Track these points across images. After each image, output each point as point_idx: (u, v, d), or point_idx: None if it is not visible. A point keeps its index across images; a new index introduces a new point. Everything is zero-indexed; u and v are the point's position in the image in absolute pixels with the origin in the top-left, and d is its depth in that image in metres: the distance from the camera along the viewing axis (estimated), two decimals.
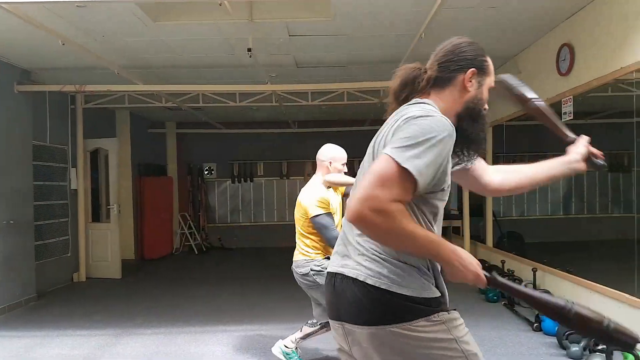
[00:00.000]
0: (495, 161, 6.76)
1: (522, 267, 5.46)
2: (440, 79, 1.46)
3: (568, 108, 4.49)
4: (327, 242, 3.13)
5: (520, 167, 1.72)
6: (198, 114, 8.54)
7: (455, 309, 1.43)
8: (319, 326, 3.40)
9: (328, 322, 3.29)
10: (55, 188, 6.64)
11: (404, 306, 1.32)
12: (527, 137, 7.56)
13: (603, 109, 7.11)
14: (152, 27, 4.48)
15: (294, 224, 3.36)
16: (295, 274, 3.31)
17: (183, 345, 4.12)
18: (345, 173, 3.34)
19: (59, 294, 6.32)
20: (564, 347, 3.64)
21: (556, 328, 3.84)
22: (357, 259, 1.38)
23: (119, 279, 7.23)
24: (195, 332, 4.47)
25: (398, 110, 1.44)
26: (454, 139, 1.32)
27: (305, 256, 3.24)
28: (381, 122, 1.46)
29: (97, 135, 7.59)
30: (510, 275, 5.30)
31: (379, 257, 1.35)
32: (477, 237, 7.10)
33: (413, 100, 1.45)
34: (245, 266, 8.37)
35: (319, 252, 3.23)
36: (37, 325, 4.84)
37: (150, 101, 7.13)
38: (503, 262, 5.67)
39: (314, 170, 3.45)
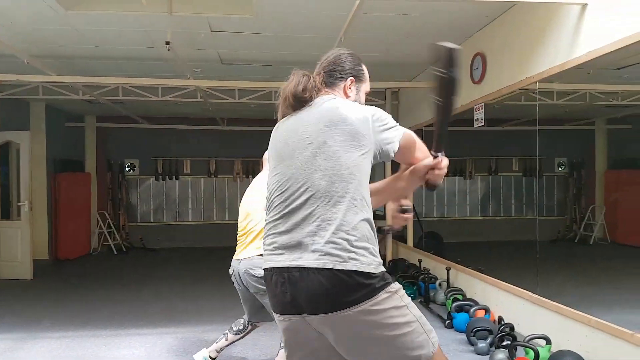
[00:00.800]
0: None
1: (437, 265, 5.70)
2: (328, 84, 1.72)
3: (480, 115, 4.75)
4: None
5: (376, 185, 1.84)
6: (119, 108, 8.15)
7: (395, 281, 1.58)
8: (245, 332, 3.32)
9: (254, 324, 3.24)
10: None
11: (368, 284, 1.45)
12: (450, 142, 7.91)
13: (518, 116, 7.60)
14: (65, 15, 4.23)
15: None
16: (243, 276, 3.00)
17: (92, 348, 3.92)
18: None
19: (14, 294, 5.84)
20: (472, 343, 3.80)
21: (466, 325, 4.02)
22: (318, 250, 1.46)
23: (29, 279, 6.79)
24: (107, 335, 4.27)
25: (329, 106, 1.61)
26: None
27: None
28: None
29: (10, 127, 7.05)
30: (426, 273, 5.51)
31: (341, 245, 1.45)
32: (401, 237, 7.33)
33: (330, 96, 1.66)
34: (167, 267, 8.10)
35: None
36: None
37: (67, 93, 6.72)
38: (420, 260, 5.89)
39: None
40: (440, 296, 5.08)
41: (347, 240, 1.46)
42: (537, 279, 3.92)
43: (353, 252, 1.45)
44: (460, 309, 4.31)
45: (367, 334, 1.47)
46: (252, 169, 10.11)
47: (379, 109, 1.63)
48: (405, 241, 7.09)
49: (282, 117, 1.72)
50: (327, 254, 1.44)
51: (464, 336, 4.01)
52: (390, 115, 1.64)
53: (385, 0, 3.69)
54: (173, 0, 4.00)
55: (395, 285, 1.52)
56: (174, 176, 10.23)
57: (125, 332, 4.36)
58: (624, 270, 6.52)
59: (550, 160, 9.84)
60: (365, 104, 1.73)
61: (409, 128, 5.47)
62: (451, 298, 4.69)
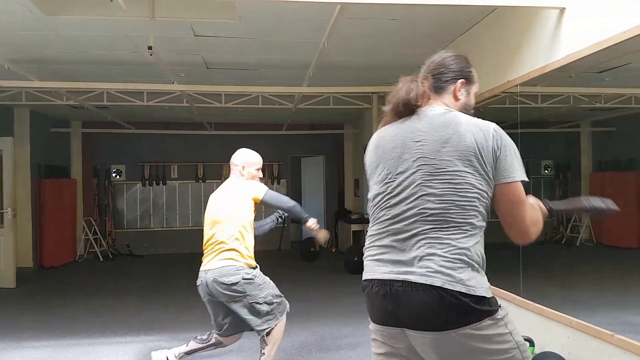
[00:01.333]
0: None
1: None
2: (436, 88, 1.65)
3: None
4: (289, 208, 3.10)
5: None
6: (104, 113, 8.09)
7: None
8: (208, 343, 3.21)
9: (220, 339, 3.18)
10: None
11: (473, 308, 1.42)
12: None
13: (503, 119, 7.64)
14: (45, 20, 4.19)
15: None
16: (212, 285, 2.93)
17: (74, 358, 3.88)
18: (260, 179, 3.17)
19: None
20: None
21: None
22: (426, 266, 1.45)
23: (12, 288, 6.68)
24: (89, 344, 4.21)
25: (446, 117, 1.55)
26: None
27: (236, 262, 2.93)
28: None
29: None
30: None
31: (453, 262, 1.44)
32: None
33: (443, 108, 1.59)
34: (154, 274, 8.03)
35: (250, 257, 3.01)
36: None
37: (51, 99, 6.66)
38: None
39: (229, 173, 3.34)
40: None
41: (458, 260, 1.44)
42: (520, 282, 3.93)
43: (462, 273, 1.43)
44: None
45: (467, 357, 1.47)
46: None
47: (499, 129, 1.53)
48: None
49: (385, 125, 1.68)
50: (437, 272, 1.43)
51: None
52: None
53: (366, 5, 3.70)
54: (155, 5, 3.97)
55: (502, 312, 1.49)
56: (161, 181, 10.17)
57: (109, 340, 4.31)
58: (609, 271, 6.57)
59: (537, 163, 9.90)
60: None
61: None
62: None
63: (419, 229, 1.47)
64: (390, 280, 1.49)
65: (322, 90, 6.14)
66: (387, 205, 1.55)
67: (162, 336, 4.39)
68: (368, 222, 1.67)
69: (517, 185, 1.50)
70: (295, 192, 10.85)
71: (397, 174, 1.54)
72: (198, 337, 3.25)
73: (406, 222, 1.50)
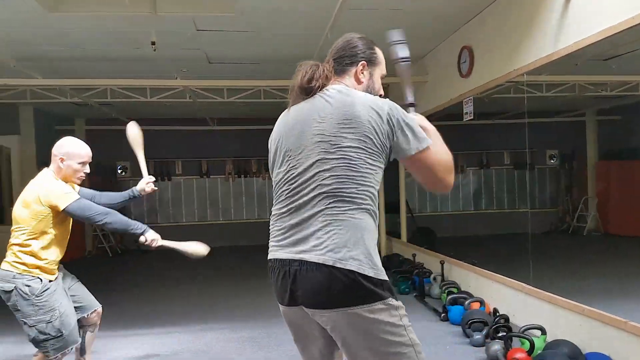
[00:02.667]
0: None
1: (431, 260, 5.70)
2: (337, 71, 1.64)
3: (469, 108, 4.75)
4: (102, 224, 2.68)
5: None
6: (107, 110, 8.10)
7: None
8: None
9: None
10: None
11: (366, 288, 1.41)
12: (456, 137, 7.95)
13: (508, 109, 7.61)
14: (48, 17, 4.19)
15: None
16: None
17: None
18: (86, 173, 2.79)
19: None
20: (467, 335, 3.80)
21: (461, 317, 4.03)
22: (320, 244, 1.44)
23: None
24: (102, 337, 4.12)
25: (339, 96, 1.54)
26: None
27: (12, 269, 2.60)
28: None
29: None
30: (420, 267, 5.52)
31: (346, 240, 1.43)
32: (395, 232, 7.33)
33: (339, 87, 1.58)
34: (162, 269, 8.06)
35: (31, 267, 2.61)
36: None
37: (55, 96, 6.65)
38: (414, 255, 5.90)
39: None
40: (435, 290, 5.08)
41: (351, 238, 1.43)
42: (530, 270, 3.93)
43: (353, 251, 1.42)
44: (455, 302, 4.31)
45: (358, 339, 1.46)
46: (244, 168, 10.10)
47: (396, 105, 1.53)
48: (399, 236, 7.10)
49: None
50: (329, 250, 1.43)
51: (459, 328, 4.02)
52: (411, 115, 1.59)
53: None
54: (157, 0, 3.97)
55: (396, 302, 1.47)
56: (166, 177, 10.19)
57: (121, 333, 4.34)
58: (616, 260, 6.56)
59: (542, 153, 9.87)
60: None
61: None
62: (446, 291, 4.70)
63: (316, 206, 1.47)
64: (289, 259, 1.50)
65: None
66: (287, 183, 1.55)
67: (174, 327, 4.42)
68: None
69: (422, 155, 1.50)
70: None
71: (297, 153, 1.54)
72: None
73: (304, 200, 1.50)
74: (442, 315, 4.36)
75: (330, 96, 1.55)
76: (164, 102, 7.07)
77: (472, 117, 4.72)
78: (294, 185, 1.53)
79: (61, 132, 9.18)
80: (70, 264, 9.52)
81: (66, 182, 2.75)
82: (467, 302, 4.17)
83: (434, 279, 5.32)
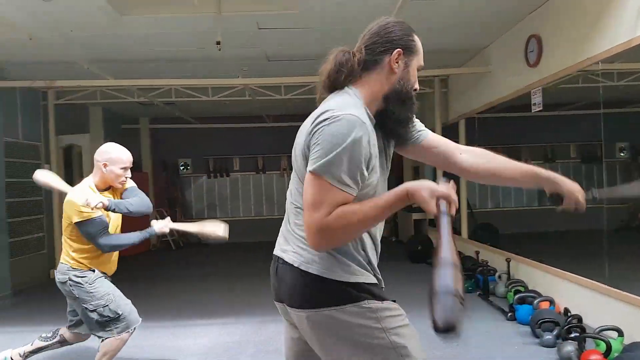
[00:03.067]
0: None
1: (496, 257, 5.53)
2: (368, 62, 1.43)
3: (537, 99, 4.56)
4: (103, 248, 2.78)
5: (492, 155, 1.65)
6: (171, 109, 8.41)
7: (394, 300, 1.45)
8: (53, 340, 3.12)
9: (65, 336, 3.09)
10: (28, 185, 6.50)
11: (334, 291, 1.36)
12: (500, 129, 7.66)
13: (575, 100, 7.24)
14: (120, 21, 4.40)
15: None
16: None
17: (159, 339, 4.08)
18: (126, 179, 2.90)
19: (35, 290, 6.21)
20: (537, 336, 3.67)
21: (530, 317, 3.89)
22: (294, 246, 1.43)
23: None
24: (172, 326, 4.43)
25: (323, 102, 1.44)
26: (368, 131, 1.31)
27: (65, 263, 2.84)
28: None
29: (70, 131, 7.45)
30: (485, 265, 5.37)
31: (307, 248, 1.37)
32: (453, 229, 7.16)
33: (340, 93, 1.45)
34: (222, 261, 8.32)
35: (80, 263, 2.83)
36: (12, 321, 4.80)
37: (122, 96, 7.00)
38: (477, 252, 5.75)
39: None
40: (500, 289, 4.93)
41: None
42: (605, 269, 3.73)
43: (316, 255, 1.37)
44: (522, 301, 4.16)
45: (326, 341, 1.41)
46: None
47: (339, 130, 1.27)
48: (458, 233, 6.94)
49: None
50: (296, 252, 1.41)
51: (527, 329, 3.88)
52: (337, 143, 1.26)
53: None
54: (222, 0, 4.06)
55: (377, 304, 1.38)
56: (224, 174, 10.49)
57: (188, 322, 4.51)
58: None
59: (611, 146, 9.31)
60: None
61: (460, 117, 5.36)
62: (512, 290, 4.54)
63: (289, 209, 1.49)
64: (276, 256, 1.49)
65: None
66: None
67: (239, 318, 4.54)
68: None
69: (310, 178, 1.29)
70: None
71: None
72: (42, 335, 3.18)
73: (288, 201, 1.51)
74: (509, 314, 4.22)
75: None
76: (224, 101, 7.26)
77: (541, 108, 4.53)
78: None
79: (127, 130, 9.67)
80: (138, 257, 10.08)
81: (108, 187, 2.91)
82: (536, 302, 4.03)
83: (499, 277, 5.16)
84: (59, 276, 2.86)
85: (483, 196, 9.39)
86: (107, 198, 2.76)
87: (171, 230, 3.08)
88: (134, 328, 2.93)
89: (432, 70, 6.11)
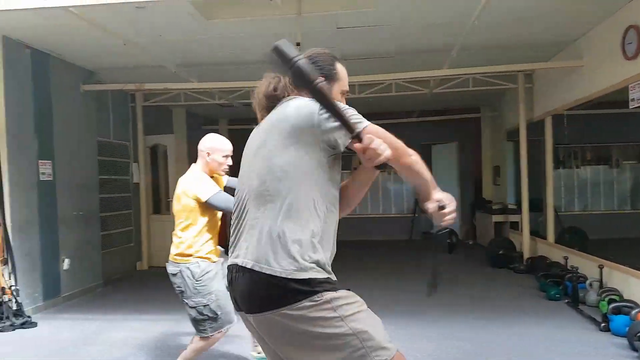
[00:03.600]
0: (556, 153, 6.46)
1: (586, 263, 5.18)
2: (295, 85, 1.61)
3: (636, 94, 4.21)
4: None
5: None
6: (247, 110, 8.66)
7: (348, 289, 1.49)
8: None
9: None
10: (119, 182, 6.99)
11: (285, 289, 1.40)
12: (591, 127, 7.18)
13: None
14: (206, 25, 4.60)
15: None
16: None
17: (242, 329, 4.20)
18: (229, 166, 2.99)
19: (124, 281, 6.66)
20: (635, 349, 3.42)
21: (627, 328, 3.62)
22: (245, 247, 1.49)
23: None
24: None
25: (281, 107, 1.59)
26: None
27: (177, 256, 2.93)
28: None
29: (156, 132, 7.92)
30: (574, 272, 5.04)
31: (263, 247, 1.44)
32: (536, 232, 6.81)
33: (290, 97, 1.61)
34: None
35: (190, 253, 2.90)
36: (104, 309, 5.15)
37: (204, 98, 7.32)
38: (566, 258, 5.41)
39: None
40: (592, 297, 4.61)
41: (270, 242, 1.43)
42: None
43: (273, 255, 1.41)
44: (618, 311, 3.87)
45: (289, 340, 1.45)
46: None
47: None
48: (543, 237, 6.57)
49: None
50: (249, 253, 1.46)
51: (624, 340, 3.63)
52: (353, 109, 1.49)
53: None
54: (303, 1, 4.13)
55: (329, 295, 1.42)
56: None
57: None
58: None
59: None
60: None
61: (547, 113, 5.10)
62: (606, 299, 4.23)
63: (245, 210, 1.52)
64: (230, 265, 1.53)
65: (464, 71, 5.85)
66: (237, 194, 1.61)
67: None
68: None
69: (372, 130, 1.51)
70: None
71: (243, 168, 1.62)
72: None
73: (242, 205, 1.55)
74: (603, 325, 3.95)
75: (279, 106, 1.60)
76: None
77: (639, 105, 4.18)
78: (238, 195, 1.63)
79: (207, 131, 10.08)
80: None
81: (212, 175, 3.01)
82: (633, 312, 3.75)
83: (590, 284, 4.82)
84: (170, 268, 2.96)
85: (569, 199, 8.83)
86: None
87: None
88: (227, 328, 2.95)
89: (515, 65, 5.83)
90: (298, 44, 4.43)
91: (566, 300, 4.77)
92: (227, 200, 2.81)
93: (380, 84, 6.68)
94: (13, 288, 4.60)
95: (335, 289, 1.45)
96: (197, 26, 4.63)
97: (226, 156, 2.98)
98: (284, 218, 1.45)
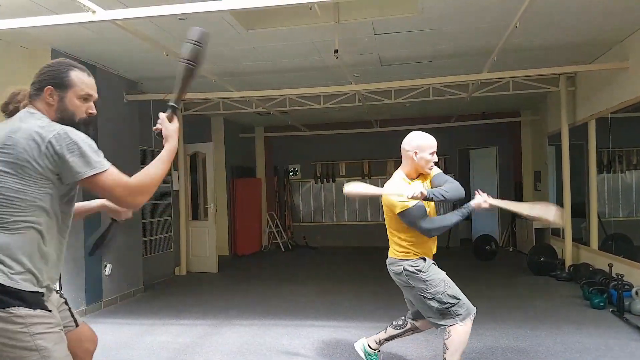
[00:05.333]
0: (600, 157, 6.26)
1: (632, 271, 5.00)
2: (32, 96, 1.77)
3: None
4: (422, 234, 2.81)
5: None
6: (284, 118, 8.80)
7: (50, 310, 1.65)
8: (404, 328, 3.23)
9: (415, 324, 3.18)
10: (159, 189, 7.15)
11: None
12: (637, 130, 6.91)
13: None
14: (245, 35, 4.71)
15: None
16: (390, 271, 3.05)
17: (275, 337, 4.27)
18: (435, 164, 2.93)
19: (163, 286, 6.83)
20: None
21: None
22: None
23: (215, 273, 7.71)
24: (286, 325, 4.62)
25: (18, 120, 1.70)
26: None
27: (396, 256, 2.95)
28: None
29: (195, 140, 8.13)
30: (619, 280, 4.86)
31: None
32: (579, 239, 6.60)
33: (26, 110, 1.73)
34: (328, 264, 8.50)
35: (409, 251, 2.90)
36: (144, 314, 5.28)
37: (242, 107, 7.48)
38: (610, 265, 5.23)
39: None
40: (637, 305, 4.45)
41: None
42: None
43: None
44: None
45: None
46: None
47: (74, 131, 1.64)
48: (586, 243, 6.37)
49: None
50: None
51: None
52: (83, 139, 1.64)
53: None
54: (340, 8, 4.17)
55: (27, 311, 1.57)
56: (330, 179, 10.73)
57: (301, 323, 4.67)
58: None
59: None
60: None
61: (590, 117, 4.94)
62: None
63: None
64: None
65: (504, 75, 5.74)
66: None
67: (349, 322, 4.60)
68: None
69: (94, 179, 1.63)
70: (464, 187, 10.44)
71: None
72: (394, 323, 3.28)
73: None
74: None
75: (13, 119, 1.72)
76: (334, 108, 7.43)
77: None
78: None
79: (244, 139, 10.32)
80: (251, 257, 10.64)
81: (417, 175, 2.97)
82: None
83: (636, 292, 4.64)
84: (392, 267, 2.95)
85: (614, 204, 8.51)
86: (423, 187, 2.79)
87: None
88: (474, 314, 2.87)
89: (557, 68, 5.71)
90: (336, 51, 4.48)
91: (611, 309, 4.61)
92: (414, 220, 2.79)
93: (417, 89, 6.65)
94: (59, 292, 4.80)
95: (35, 307, 1.62)
96: (236, 36, 4.74)
97: (433, 152, 2.91)
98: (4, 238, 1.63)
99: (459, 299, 2.82)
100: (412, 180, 2.93)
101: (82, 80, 1.80)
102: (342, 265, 8.30)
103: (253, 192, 10.15)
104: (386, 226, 3.01)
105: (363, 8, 4.25)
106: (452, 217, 2.82)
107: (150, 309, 5.49)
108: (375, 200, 10.39)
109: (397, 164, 3.12)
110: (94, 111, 1.82)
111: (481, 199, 2.80)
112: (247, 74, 6.18)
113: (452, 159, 10.31)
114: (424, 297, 2.83)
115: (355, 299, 5.62)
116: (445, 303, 2.79)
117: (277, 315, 4.97)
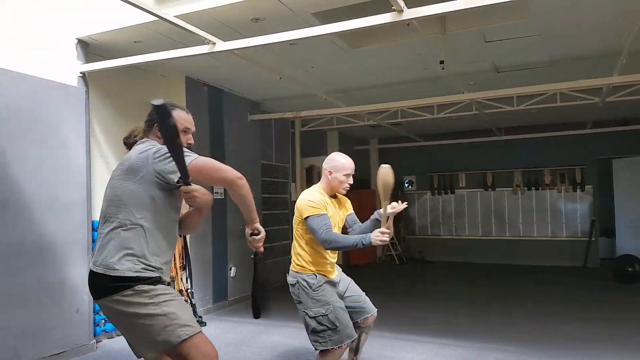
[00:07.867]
0: None
1: None
2: (146, 131, 2.24)
3: None
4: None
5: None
6: (397, 129, 8.79)
7: (169, 284, 2.08)
8: (356, 336, 3.10)
9: (360, 325, 3.14)
10: (279, 200, 7.69)
11: (117, 283, 1.95)
12: None
13: None
14: (351, 53, 4.86)
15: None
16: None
17: (379, 348, 4.27)
18: (349, 185, 3.03)
19: (280, 290, 7.20)
20: None
21: None
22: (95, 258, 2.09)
23: None
24: (390, 338, 4.59)
25: (143, 146, 2.14)
26: None
27: (293, 268, 3.05)
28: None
29: (311, 154, 8.53)
30: None
31: (103, 256, 2.02)
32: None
33: (144, 141, 2.18)
34: (445, 281, 8.20)
35: (305, 266, 2.98)
36: (263, 315, 5.63)
37: (354, 121, 7.66)
38: None
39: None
40: None
41: (107, 251, 2.00)
42: None
43: (109, 261, 1.99)
44: None
45: (117, 318, 2.02)
46: (535, 179, 9.41)
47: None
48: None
49: None
50: (96, 261, 2.04)
51: None
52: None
53: None
54: (447, 21, 4.11)
55: (148, 287, 1.96)
56: (449, 190, 10.38)
57: (406, 337, 4.62)
58: None
59: None
60: None
61: None
62: None
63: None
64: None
65: (635, 78, 5.10)
66: None
67: (458, 341, 4.44)
68: None
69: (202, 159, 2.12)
70: (605, 200, 9.38)
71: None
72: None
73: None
74: None
75: (134, 149, 2.16)
76: (449, 117, 7.24)
77: None
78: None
79: (359, 151, 10.49)
80: (365, 267, 10.76)
81: (333, 194, 3.12)
82: None
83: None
84: (289, 279, 3.07)
85: None
86: (336, 211, 3.09)
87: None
88: (347, 343, 2.92)
89: None
90: (441, 62, 4.41)
91: None
92: (316, 226, 2.87)
93: (540, 95, 6.21)
94: (189, 291, 5.35)
95: (155, 284, 2.01)
96: (344, 55, 4.91)
97: (347, 175, 3.03)
98: (121, 233, 2.02)
99: (336, 325, 2.85)
100: (329, 198, 3.06)
101: (181, 117, 2.21)
102: (459, 282, 7.98)
103: (367, 204, 10.24)
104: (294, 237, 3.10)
105: (470, 17, 4.13)
106: (350, 240, 2.80)
107: (268, 311, 5.84)
108: (502, 212, 9.97)
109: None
110: (192, 142, 2.27)
111: (376, 234, 2.72)
112: (356, 89, 6.33)
113: (590, 169, 9.34)
114: (307, 314, 2.90)
115: (473, 318, 5.41)
116: (323, 325, 2.85)
117: (383, 327, 4.90)
